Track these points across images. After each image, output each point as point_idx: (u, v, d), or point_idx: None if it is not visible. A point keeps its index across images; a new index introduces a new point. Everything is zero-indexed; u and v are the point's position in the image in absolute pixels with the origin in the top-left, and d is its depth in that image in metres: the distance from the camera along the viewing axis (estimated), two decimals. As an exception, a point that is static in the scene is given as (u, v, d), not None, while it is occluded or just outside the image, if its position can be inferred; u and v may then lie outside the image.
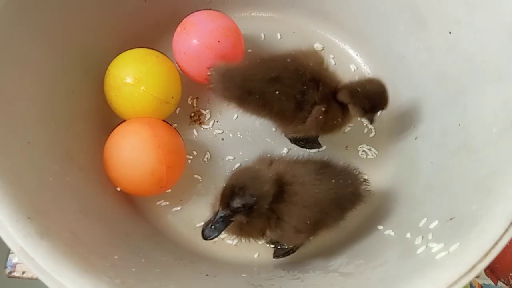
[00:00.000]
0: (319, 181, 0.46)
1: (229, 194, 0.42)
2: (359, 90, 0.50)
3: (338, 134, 0.62)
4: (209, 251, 0.56)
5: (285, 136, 0.61)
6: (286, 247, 0.54)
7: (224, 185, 0.44)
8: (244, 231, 0.47)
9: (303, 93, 0.49)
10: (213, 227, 0.43)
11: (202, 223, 0.56)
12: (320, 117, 0.50)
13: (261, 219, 0.45)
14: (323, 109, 0.50)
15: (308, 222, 0.45)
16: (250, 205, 0.42)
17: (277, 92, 0.49)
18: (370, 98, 0.50)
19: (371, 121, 0.53)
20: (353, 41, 0.67)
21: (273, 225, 0.46)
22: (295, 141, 0.61)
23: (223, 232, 0.43)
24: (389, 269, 0.42)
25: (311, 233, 0.47)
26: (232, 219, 0.43)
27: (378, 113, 0.55)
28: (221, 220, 0.43)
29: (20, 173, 0.39)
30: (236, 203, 0.42)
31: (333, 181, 0.46)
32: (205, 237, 0.43)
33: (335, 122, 0.52)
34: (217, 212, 0.43)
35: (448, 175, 0.48)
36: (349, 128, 0.62)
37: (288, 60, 0.50)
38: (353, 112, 0.52)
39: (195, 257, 0.54)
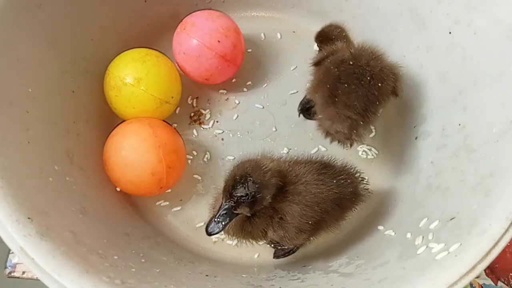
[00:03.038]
0: (321, 181, 0.46)
1: (231, 183, 0.42)
2: (334, 35, 0.56)
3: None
4: (209, 251, 0.56)
5: (298, 109, 0.62)
6: (286, 247, 0.54)
7: (225, 178, 0.43)
8: (246, 232, 0.46)
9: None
10: (216, 220, 0.42)
11: (202, 223, 0.57)
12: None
13: (264, 219, 0.45)
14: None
15: (310, 222, 0.45)
16: (253, 193, 0.41)
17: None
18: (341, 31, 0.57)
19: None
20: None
21: (276, 226, 0.46)
22: (303, 111, 0.62)
23: (224, 233, 0.43)
24: (390, 269, 0.42)
25: (312, 233, 0.47)
26: (236, 211, 0.43)
27: None
28: (224, 212, 0.42)
29: (20, 173, 0.39)
30: (240, 191, 0.41)
31: (335, 181, 0.46)
32: (208, 233, 0.43)
33: None
34: (220, 206, 0.43)
35: (448, 175, 0.48)
36: (349, 128, 0.62)
37: (351, 62, 0.51)
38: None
39: (195, 257, 0.54)
